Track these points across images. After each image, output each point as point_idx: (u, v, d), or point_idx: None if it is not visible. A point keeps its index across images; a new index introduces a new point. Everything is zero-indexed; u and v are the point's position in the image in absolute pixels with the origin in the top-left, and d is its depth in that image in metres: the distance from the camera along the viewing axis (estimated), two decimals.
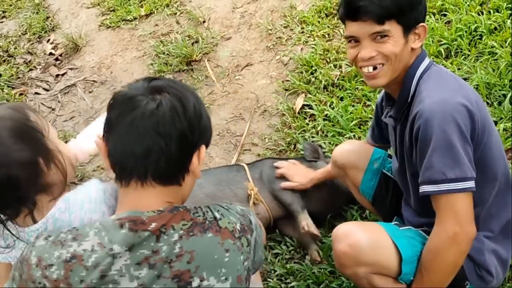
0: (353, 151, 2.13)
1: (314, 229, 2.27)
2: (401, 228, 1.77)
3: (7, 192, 1.35)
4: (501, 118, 2.57)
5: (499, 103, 2.65)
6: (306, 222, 2.29)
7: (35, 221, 1.42)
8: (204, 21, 4.03)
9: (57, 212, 1.42)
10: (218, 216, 1.24)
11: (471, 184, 1.54)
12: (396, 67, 1.68)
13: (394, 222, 1.90)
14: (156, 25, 4.14)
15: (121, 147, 1.21)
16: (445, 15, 3.28)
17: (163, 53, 3.78)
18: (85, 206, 1.42)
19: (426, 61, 1.71)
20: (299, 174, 2.42)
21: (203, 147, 1.28)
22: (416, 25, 1.65)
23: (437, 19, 3.26)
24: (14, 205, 1.39)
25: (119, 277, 1.14)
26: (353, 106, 2.94)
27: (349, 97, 3.01)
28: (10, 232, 1.41)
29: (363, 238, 1.67)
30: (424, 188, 1.59)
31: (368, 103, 2.94)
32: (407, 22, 1.63)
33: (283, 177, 2.45)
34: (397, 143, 1.83)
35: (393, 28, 1.62)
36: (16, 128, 1.36)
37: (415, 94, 1.66)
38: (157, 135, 1.18)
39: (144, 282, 1.14)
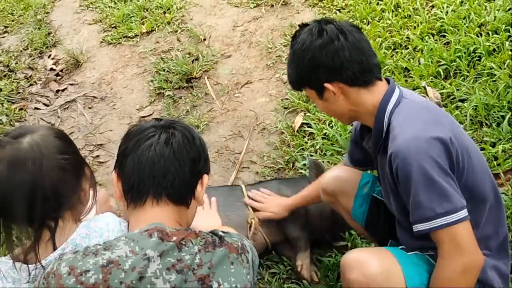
0: (341, 178, 2.11)
1: (306, 273, 2.27)
2: (408, 254, 1.75)
3: (47, 197, 1.36)
4: (500, 140, 2.57)
5: (498, 124, 2.66)
6: (302, 264, 2.28)
7: (55, 248, 1.40)
8: (204, 39, 4.05)
9: (78, 238, 1.42)
10: (222, 234, 1.35)
11: (464, 213, 1.53)
12: (338, 116, 1.85)
13: (400, 248, 1.87)
14: (157, 42, 4.17)
15: (139, 169, 1.35)
16: (444, 36, 3.31)
17: (164, 70, 3.79)
18: (104, 235, 1.44)
19: (396, 94, 1.70)
20: (274, 205, 2.39)
21: (205, 176, 1.44)
22: (322, 87, 1.70)
23: (436, 40, 3.29)
24: (46, 214, 1.38)
25: (155, 279, 1.20)
26: (352, 125, 2.94)
27: None
28: (37, 259, 1.38)
29: (375, 267, 1.65)
30: (418, 227, 1.57)
31: None
32: (314, 87, 1.74)
33: None
34: (379, 171, 1.84)
35: (309, 93, 1.79)
36: (63, 136, 1.47)
37: (389, 129, 1.67)
38: (173, 159, 1.35)
39: (176, 284, 1.22)
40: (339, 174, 2.14)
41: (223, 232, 1.37)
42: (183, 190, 1.37)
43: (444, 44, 3.26)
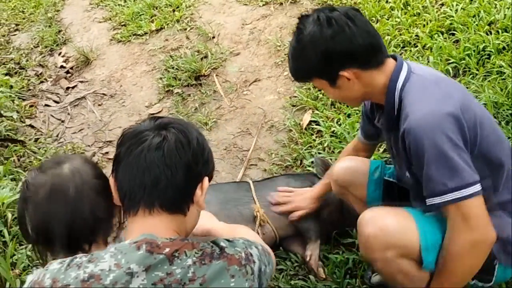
0: (351, 168, 2.12)
1: (313, 263, 2.27)
2: (426, 214, 1.77)
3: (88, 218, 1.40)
4: (509, 138, 2.56)
5: (507, 123, 2.65)
6: (311, 253, 2.28)
7: None
8: (213, 37, 4.07)
9: None
10: (224, 245, 1.28)
11: (475, 188, 1.54)
12: (348, 101, 1.90)
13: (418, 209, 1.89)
14: (166, 40, 4.19)
15: (129, 178, 1.28)
16: (453, 34, 3.29)
17: (172, 68, 3.81)
18: None
19: (404, 70, 1.71)
20: (301, 201, 2.39)
21: (206, 179, 1.35)
22: (336, 75, 1.69)
23: (445, 38, 3.28)
24: (83, 238, 1.41)
25: None
26: (359, 123, 2.94)
27: (356, 114, 3.02)
28: None
29: (391, 221, 1.70)
30: (430, 201, 1.60)
31: None
32: (326, 77, 1.73)
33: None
34: (393, 149, 1.85)
35: (318, 83, 1.78)
36: (94, 164, 1.54)
37: (401, 106, 1.68)
38: (164, 166, 1.26)
39: None
40: (349, 164, 2.15)
41: (227, 240, 1.30)
42: (177, 198, 1.29)
43: (454, 42, 3.25)
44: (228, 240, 1.31)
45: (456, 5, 3.48)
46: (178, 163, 1.27)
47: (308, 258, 2.27)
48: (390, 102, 1.71)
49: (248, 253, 1.29)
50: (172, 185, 1.27)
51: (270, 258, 1.42)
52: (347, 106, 3.10)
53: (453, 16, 3.39)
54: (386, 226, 1.69)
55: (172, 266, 1.17)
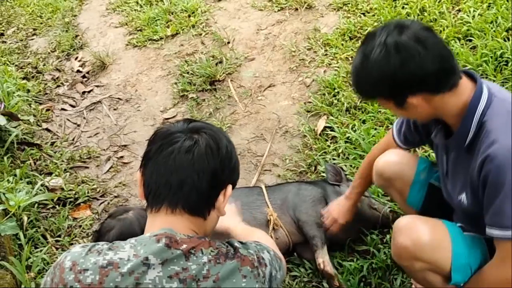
0: (399, 163, 2.07)
1: (330, 269, 2.25)
2: (465, 233, 1.75)
3: None
4: None
5: None
6: (323, 260, 2.26)
7: None
8: (228, 42, 4.08)
9: None
10: (238, 246, 1.32)
11: None
12: (418, 119, 1.78)
13: (459, 225, 1.85)
14: (182, 45, 4.21)
15: (157, 176, 1.31)
16: (470, 40, 3.26)
17: (187, 73, 3.83)
18: None
19: (485, 94, 1.61)
20: (335, 213, 2.36)
21: (229, 187, 1.37)
22: (404, 99, 1.60)
23: (462, 44, 3.25)
24: None
25: (153, 287, 1.18)
26: (375, 129, 2.93)
27: (371, 120, 3.00)
28: None
29: (425, 235, 1.68)
30: (492, 232, 1.57)
31: (390, 126, 2.92)
32: (394, 99, 1.62)
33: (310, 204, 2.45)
34: (448, 167, 1.79)
35: (383, 103, 1.69)
36: None
37: (479, 132, 1.60)
38: (192, 169, 1.29)
39: None
40: (396, 158, 2.09)
41: (240, 242, 1.34)
42: (199, 202, 1.32)
43: (471, 48, 3.22)
44: (241, 242, 1.34)
45: (474, 11, 3.45)
46: (206, 168, 1.30)
47: (322, 266, 2.25)
48: (466, 125, 1.62)
49: (260, 256, 1.32)
50: (196, 189, 1.30)
51: (281, 264, 1.44)
52: (362, 112, 3.09)
53: (470, 22, 3.36)
54: (419, 239, 1.67)
55: (188, 262, 1.21)
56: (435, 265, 1.69)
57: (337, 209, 2.37)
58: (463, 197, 1.72)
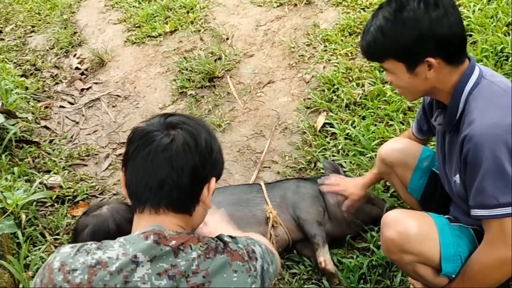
0: (402, 150, 2.10)
1: (331, 267, 2.24)
2: (451, 224, 1.76)
3: None
4: None
5: None
6: (324, 259, 2.25)
7: None
8: (227, 38, 4.06)
9: None
10: (228, 240, 1.30)
11: None
12: (412, 92, 1.73)
13: (446, 217, 1.86)
14: (180, 41, 4.19)
15: (136, 178, 1.30)
16: (470, 35, 3.24)
17: (186, 69, 3.81)
18: None
19: (475, 74, 1.64)
20: (349, 186, 2.37)
21: (213, 179, 1.35)
22: (421, 60, 1.61)
23: None
24: None
25: (141, 284, 1.17)
26: (375, 125, 2.91)
27: (371, 116, 2.99)
28: None
29: (412, 228, 1.69)
30: (476, 212, 1.58)
31: (390, 122, 2.91)
32: (408, 60, 1.63)
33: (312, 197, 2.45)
34: (445, 150, 1.80)
35: (392, 65, 1.66)
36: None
37: (464, 111, 1.63)
38: (170, 168, 1.27)
39: None
40: (400, 145, 2.12)
41: (230, 237, 1.32)
42: (182, 200, 1.30)
43: (471, 43, 3.20)
44: (231, 237, 1.33)
45: (474, 5, 3.43)
46: (185, 166, 1.27)
47: (323, 265, 2.24)
48: (454, 103, 1.65)
49: (250, 250, 1.30)
50: (177, 188, 1.28)
51: (274, 258, 1.43)
52: (362, 108, 3.07)
53: (470, 17, 3.34)
54: (406, 231, 1.69)
55: (177, 259, 1.20)
56: (424, 257, 1.70)
57: (352, 183, 2.37)
58: (457, 178, 1.74)
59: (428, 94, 1.76)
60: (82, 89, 3.99)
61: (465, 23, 3.27)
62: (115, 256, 1.19)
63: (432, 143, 2.36)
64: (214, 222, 1.81)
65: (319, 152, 2.90)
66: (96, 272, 1.17)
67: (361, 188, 2.35)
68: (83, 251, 1.22)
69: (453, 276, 1.71)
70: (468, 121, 1.58)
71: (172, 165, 1.27)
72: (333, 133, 3.01)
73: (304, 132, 3.10)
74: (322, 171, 2.75)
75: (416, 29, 1.56)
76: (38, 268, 2.36)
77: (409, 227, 1.69)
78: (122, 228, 1.56)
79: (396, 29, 1.59)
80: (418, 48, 1.59)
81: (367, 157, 2.73)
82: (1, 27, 4.99)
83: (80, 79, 4.10)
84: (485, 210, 1.55)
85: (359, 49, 3.48)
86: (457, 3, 3.53)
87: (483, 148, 1.51)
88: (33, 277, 2.29)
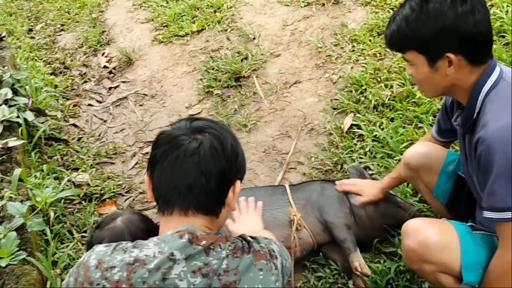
0: (427, 154, 2.08)
1: (367, 270, 2.20)
2: (474, 232, 1.74)
3: None
4: None
5: None
6: (359, 263, 2.21)
7: None
8: (254, 38, 4.05)
9: None
10: (251, 240, 1.34)
11: None
12: (431, 88, 1.69)
13: (469, 224, 1.84)
14: (207, 41, 4.20)
15: (165, 182, 1.32)
16: (503, 36, 3.17)
17: (213, 69, 3.81)
18: None
19: (494, 75, 1.61)
20: (367, 187, 2.36)
21: (238, 182, 1.39)
22: (441, 55, 1.58)
23: (495, 40, 3.15)
24: None
25: (178, 281, 1.20)
26: (403, 127, 2.86)
27: (400, 118, 2.94)
28: None
29: (431, 237, 1.68)
30: (487, 214, 1.57)
31: (419, 125, 2.86)
32: (429, 53, 1.60)
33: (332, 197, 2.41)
34: (466, 150, 1.78)
35: (414, 57, 1.64)
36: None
37: (480, 112, 1.61)
38: (199, 172, 1.30)
39: (200, 287, 1.21)
40: (424, 149, 2.10)
41: (251, 237, 1.35)
42: (210, 202, 1.34)
43: (504, 44, 3.12)
44: (252, 237, 1.36)
45: (507, 6, 3.34)
46: (213, 169, 1.31)
47: (359, 269, 2.19)
48: (471, 104, 1.63)
49: (270, 249, 1.34)
50: (206, 191, 1.31)
51: (287, 254, 1.47)
52: (390, 110, 3.02)
53: (503, 18, 3.27)
54: (426, 241, 1.67)
55: (208, 257, 1.23)
56: (445, 266, 1.68)
57: (369, 185, 2.36)
58: (476, 180, 1.72)
59: (448, 92, 1.72)
60: (110, 88, 4.03)
61: (498, 24, 3.22)
62: (152, 254, 1.22)
63: (458, 147, 2.31)
64: (242, 221, 1.86)
65: (346, 154, 2.87)
66: (135, 270, 1.20)
67: (378, 191, 2.33)
68: (119, 249, 1.25)
69: (476, 286, 1.69)
70: (482, 123, 1.57)
71: (201, 169, 1.30)
72: (361, 135, 2.97)
73: (331, 133, 3.07)
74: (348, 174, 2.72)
75: (439, 21, 1.54)
76: (65, 266, 2.40)
77: (429, 237, 1.68)
78: (137, 239, 1.58)
79: (420, 20, 1.57)
80: (440, 42, 1.56)
81: (395, 159, 2.69)
82: (32, 26, 5.08)
83: (108, 78, 4.15)
84: (495, 213, 1.54)
85: (387, 50, 3.44)
86: (489, 3, 3.47)
87: (495, 151, 1.49)
88: (60, 274, 2.32)
